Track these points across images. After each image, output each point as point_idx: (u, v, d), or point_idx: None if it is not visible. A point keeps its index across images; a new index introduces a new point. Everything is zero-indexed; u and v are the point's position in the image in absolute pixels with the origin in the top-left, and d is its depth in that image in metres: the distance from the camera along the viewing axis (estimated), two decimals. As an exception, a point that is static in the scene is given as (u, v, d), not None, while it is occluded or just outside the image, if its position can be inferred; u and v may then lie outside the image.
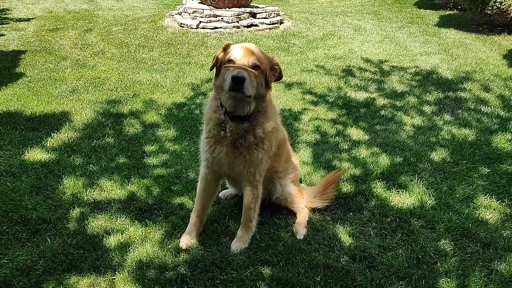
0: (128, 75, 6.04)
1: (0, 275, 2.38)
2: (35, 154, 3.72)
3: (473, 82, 5.98)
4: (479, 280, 2.42)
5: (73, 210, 2.97)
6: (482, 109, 5.02)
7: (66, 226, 2.80)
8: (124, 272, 2.42)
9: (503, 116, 4.80)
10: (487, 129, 4.45)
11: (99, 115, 4.60)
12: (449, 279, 2.42)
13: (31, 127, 4.29)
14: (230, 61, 2.30)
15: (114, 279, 2.37)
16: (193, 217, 2.72)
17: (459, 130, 4.43)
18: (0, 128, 4.22)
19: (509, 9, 8.34)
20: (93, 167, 3.53)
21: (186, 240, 2.65)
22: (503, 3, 8.22)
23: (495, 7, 8.35)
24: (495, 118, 4.73)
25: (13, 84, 5.56)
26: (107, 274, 2.41)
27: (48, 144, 3.92)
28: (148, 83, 5.68)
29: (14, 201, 3.04)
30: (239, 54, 2.29)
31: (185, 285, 2.35)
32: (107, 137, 4.09)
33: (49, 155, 3.72)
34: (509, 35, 8.60)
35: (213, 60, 2.46)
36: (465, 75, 6.26)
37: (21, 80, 5.74)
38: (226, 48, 2.41)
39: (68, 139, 4.03)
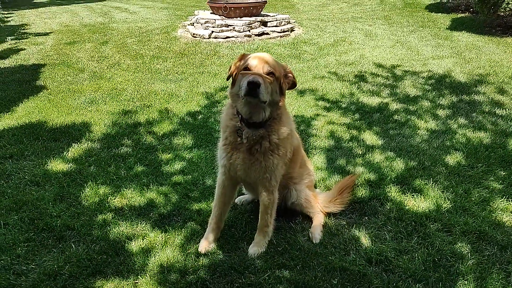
0: (143, 85, 6.19)
1: (29, 280, 2.48)
2: (58, 164, 3.86)
3: (487, 85, 5.94)
4: (497, 283, 2.42)
5: (95, 217, 3.07)
6: (497, 112, 4.99)
7: (89, 233, 2.91)
8: (146, 276, 2.50)
9: (519, 118, 4.76)
10: (502, 132, 4.42)
11: (117, 125, 4.74)
12: (466, 282, 2.43)
13: (52, 137, 4.45)
14: (245, 69, 2.39)
15: (137, 283, 2.46)
16: (211, 223, 2.80)
17: (474, 133, 4.41)
18: (24, 139, 4.39)
19: (522, 10, 8.27)
20: (113, 175, 3.64)
21: (205, 245, 2.72)
22: (516, 5, 8.15)
23: (508, 8, 8.29)
24: (511, 121, 4.70)
25: (34, 97, 5.77)
26: (130, 278, 2.49)
27: (69, 154, 4.06)
28: (163, 93, 5.82)
29: (39, 209, 3.17)
30: (255, 63, 2.38)
31: (205, 289, 2.42)
32: (125, 146, 4.21)
33: (71, 164, 3.85)
34: (523, 36, 8.51)
35: (229, 70, 2.55)
36: (479, 78, 6.23)
37: (42, 92, 5.95)
38: (242, 58, 2.50)
39: (88, 149, 4.16)
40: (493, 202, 3.18)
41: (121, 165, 3.85)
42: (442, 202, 3.17)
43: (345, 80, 6.30)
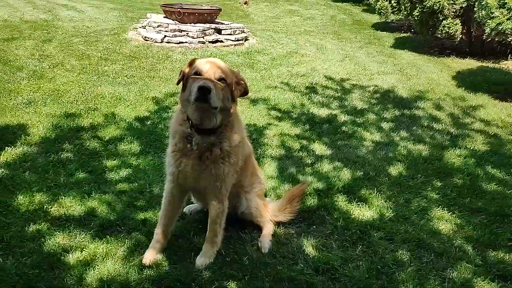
0: (89, 87, 5.88)
1: None
2: (-14, 169, 3.51)
3: (426, 101, 6.37)
4: (434, 288, 2.55)
5: (28, 228, 2.82)
6: (434, 126, 5.35)
7: (20, 245, 2.66)
8: (84, 292, 2.32)
9: (454, 133, 5.15)
10: (439, 145, 4.75)
11: (58, 128, 4.43)
12: (407, 288, 2.54)
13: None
14: (196, 73, 2.34)
15: (73, 300, 2.28)
16: (157, 233, 2.68)
17: (414, 146, 4.69)
18: None
19: (456, 33, 9.02)
20: (50, 182, 3.38)
21: (150, 256, 2.60)
22: (451, 28, 8.88)
23: (444, 31, 9.00)
24: (446, 135, 5.06)
25: (-38, 95, 5.24)
26: (65, 295, 2.30)
27: (1, 159, 3.71)
28: (111, 97, 5.56)
29: (-39, 220, 2.85)
30: (206, 67, 2.34)
31: (148, 304, 2.30)
32: (66, 151, 3.95)
33: (2, 170, 3.52)
34: (457, 57, 9.28)
35: (180, 74, 2.48)
36: (419, 94, 6.67)
37: (-28, 91, 5.42)
38: (192, 63, 2.45)
39: (24, 154, 3.84)
40: (431, 211, 3.38)
41: (60, 171, 3.59)
42: (385, 211, 3.32)
43: (297, 91, 6.44)
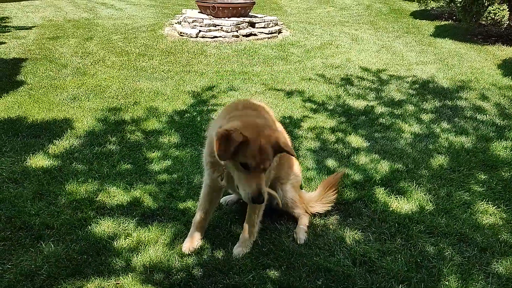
0: (128, 83, 6.10)
1: (4, 280, 2.40)
2: (37, 161, 3.75)
3: (469, 91, 6.08)
4: (477, 284, 2.46)
5: (76, 216, 2.99)
6: (478, 117, 5.10)
7: (69, 232, 2.83)
8: (128, 276, 2.44)
9: (500, 124, 4.88)
10: (483, 136, 4.52)
11: (101, 122, 4.64)
12: (447, 282, 2.46)
13: (32, 134, 4.33)
14: (244, 165, 2.17)
15: (119, 283, 2.40)
16: (195, 223, 2.76)
17: (456, 137, 4.50)
18: (2, 135, 4.25)
19: (503, 20, 8.50)
20: (95, 173, 3.56)
21: (189, 245, 2.68)
22: (497, 14, 8.38)
23: (489, 17, 8.52)
24: (491, 126, 4.81)
25: (14, 92, 5.60)
26: (112, 279, 2.44)
27: (50, 151, 3.95)
28: (149, 91, 5.74)
29: (17, 207, 3.07)
30: (254, 161, 2.15)
31: (189, 289, 2.38)
32: (109, 144, 4.13)
33: (51, 161, 3.75)
34: (503, 45, 8.75)
35: (218, 145, 2.12)
36: (461, 84, 6.36)
37: (22, 87, 5.79)
38: (229, 136, 2.10)
39: (70, 146, 4.06)
40: (474, 205, 3.24)
41: (104, 163, 3.76)
42: (425, 204, 3.22)
43: (332, 83, 6.34)
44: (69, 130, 4.42)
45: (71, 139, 4.21)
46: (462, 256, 2.70)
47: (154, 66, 6.98)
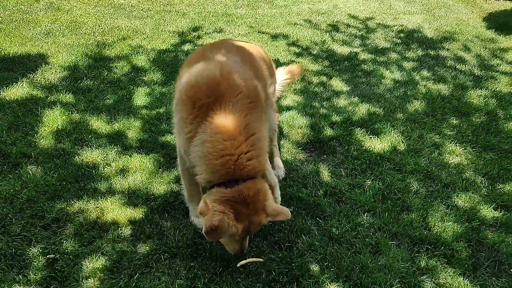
0: (106, 20, 5.83)
1: (-17, 202, 2.44)
2: (12, 93, 3.66)
3: (452, 41, 6.08)
4: (436, 214, 2.65)
5: (54, 146, 3.00)
6: (458, 67, 5.16)
7: (47, 161, 2.85)
8: (108, 201, 2.52)
9: (477, 74, 4.97)
10: (460, 85, 4.61)
11: (77, 58, 4.50)
12: (409, 212, 2.64)
13: (5, 67, 4.18)
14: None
15: (99, 206, 2.48)
16: (189, 199, 2.44)
17: (434, 85, 4.58)
18: (-27, 68, 4.09)
19: (494, -30, 8.33)
20: (72, 107, 3.52)
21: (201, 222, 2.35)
22: (488, -36, 8.18)
23: (480, -32, 8.31)
24: (469, 76, 4.89)
25: (-16, 25, 5.30)
26: (91, 203, 2.51)
27: (24, 85, 3.85)
28: (127, 29, 5.52)
29: (-8, 136, 3.04)
30: (240, 237, 2.01)
31: (166, 213, 2.49)
32: (87, 79, 4.04)
33: (26, 94, 3.67)
34: (491, -2, 8.64)
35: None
36: (446, 35, 6.35)
37: (-8, 20, 5.47)
38: (224, 229, 1.85)
39: (45, 80, 3.96)
40: (443, 147, 3.39)
41: (81, 97, 3.71)
42: (397, 145, 3.35)
43: (317, 29, 6.22)
44: (43, 65, 4.27)
45: (46, 74, 4.09)
46: (426, 190, 2.87)
47: (132, 4, 6.65)
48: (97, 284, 2.05)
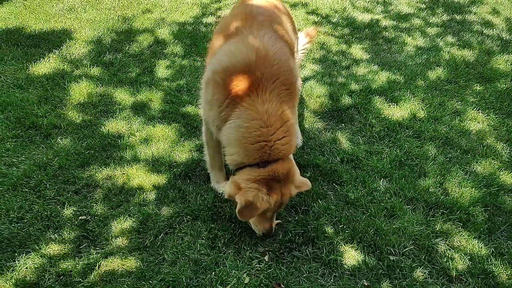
0: (125, -6, 5.87)
1: (20, 170, 2.63)
2: (40, 69, 3.82)
3: (481, 5, 5.79)
4: (454, 179, 2.66)
5: (81, 118, 3.15)
6: (485, 31, 4.95)
7: (75, 131, 3.01)
8: (133, 168, 2.66)
9: (505, 38, 4.76)
10: (486, 50, 4.45)
11: (100, 32, 4.60)
12: (427, 178, 2.66)
13: (32, 44, 4.33)
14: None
15: (125, 173, 2.62)
16: (211, 166, 2.54)
17: (459, 51, 4.43)
18: (2, 45, 4.27)
19: None
20: (97, 81, 3.65)
21: (218, 186, 2.56)
22: None
23: None
24: (496, 40, 4.70)
25: (8, 3, 5.46)
26: (118, 170, 2.66)
27: (51, 60, 3.99)
28: (147, 3, 5.55)
29: (24, 109, 3.22)
30: (271, 213, 2.14)
31: (188, 179, 2.61)
32: (109, 53, 4.15)
33: (53, 69, 3.82)
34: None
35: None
36: (474, -2, 6.05)
37: (17, -2, 5.63)
38: (258, 206, 1.94)
39: (71, 55, 4.09)
40: (464, 114, 3.34)
41: (105, 71, 3.83)
42: (417, 112, 3.32)
43: (337, -5, 6.05)
44: (68, 41, 4.40)
45: (71, 49, 4.22)
46: (444, 157, 2.86)
47: (152, -24, 6.63)
48: (126, 243, 2.21)
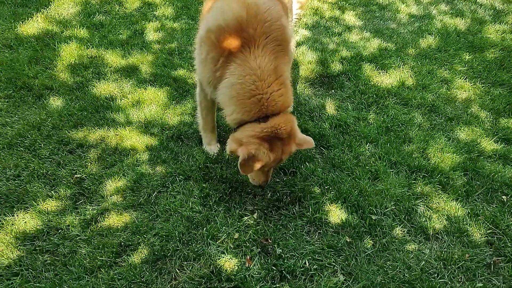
0: (115, -48, 5.65)
1: (14, 129, 2.66)
2: (28, 29, 3.74)
3: (477, -28, 5.73)
4: (437, 145, 2.77)
5: (73, 79, 3.15)
6: (479, 0, 4.94)
7: (68, 92, 3.02)
8: (126, 129, 2.71)
9: (498, 7, 4.77)
10: (479, 19, 4.47)
11: (88, -8, 4.48)
12: (410, 143, 2.76)
13: (19, 3, 4.21)
14: None
15: (118, 134, 2.68)
16: (203, 128, 2.60)
17: (451, 19, 4.44)
18: (-12, 3, 4.15)
19: None
20: (87, 42, 3.61)
21: (209, 148, 2.64)
22: None
23: None
24: (489, 10, 4.71)
25: (-7, -42, 5.24)
26: (111, 131, 2.70)
27: (39, 19, 3.91)
28: (137, -39, 5.37)
29: (15, 70, 3.20)
30: (269, 167, 2.18)
31: (180, 141, 2.68)
32: (99, 14, 4.07)
33: (42, 29, 3.75)
34: None
35: None
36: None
37: (1, -47, 5.39)
38: (260, 158, 2.01)
39: (59, 16, 4.00)
40: (452, 82, 3.41)
41: (95, 32, 3.77)
42: (405, 80, 3.38)
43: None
44: (56, 0, 4.29)
45: (59, 9, 4.12)
46: (429, 124, 2.96)
47: None
48: (120, 200, 2.30)
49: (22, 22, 3.83)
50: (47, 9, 4.11)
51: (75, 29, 3.77)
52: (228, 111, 2.05)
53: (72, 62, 3.33)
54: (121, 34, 3.78)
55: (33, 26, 3.78)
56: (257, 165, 1.99)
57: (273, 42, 2.00)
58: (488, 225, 2.31)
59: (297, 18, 3.59)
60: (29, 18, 3.91)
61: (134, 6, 4.27)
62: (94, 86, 3.09)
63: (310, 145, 2.15)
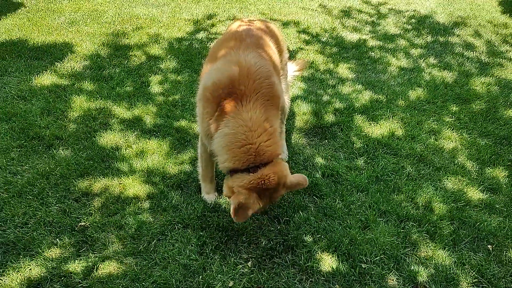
0: (124, 8, 6.13)
1: (24, 178, 2.83)
2: (42, 81, 4.03)
3: (464, 27, 6.12)
4: (425, 194, 2.90)
5: (82, 130, 3.36)
6: (466, 54, 5.25)
7: (76, 142, 3.22)
8: (129, 179, 2.87)
9: (484, 61, 5.06)
10: (465, 72, 4.74)
11: (100, 47, 4.83)
12: (400, 193, 2.90)
13: (35, 56, 4.55)
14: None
15: (122, 183, 2.83)
16: (203, 177, 2.76)
17: (439, 72, 4.72)
18: (6, 56, 4.48)
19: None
20: (97, 94, 3.87)
21: (207, 197, 2.79)
22: None
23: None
24: (476, 63, 5.00)
25: (12, 14, 5.69)
26: (115, 180, 2.86)
27: (53, 73, 4.21)
28: (145, 18, 5.81)
29: (28, 120, 3.43)
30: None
31: (180, 190, 2.83)
32: (109, 67, 4.37)
33: (55, 82, 4.03)
34: (510, -20, 8.47)
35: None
36: (458, 20, 6.38)
37: (20, 10, 5.86)
38: (251, 207, 2.12)
39: (72, 69, 4.31)
40: (440, 133, 3.59)
41: (104, 85, 4.05)
42: (395, 131, 3.57)
43: (329, 15, 6.36)
44: (69, 54, 4.63)
45: (72, 62, 4.45)
46: (418, 173, 3.11)
47: (151, -9, 6.91)
48: (121, 248, 2.41)
49: (37, 75, 4.13)
50: (61, 62, 4.43)
51: (86, 82, 4.05)
52: (221, 159, 2.22)
53: (82, 113, 3.56)
54: (128, 86, 4.05)
55: (46, 78, 4.08)
56: (249, 213, 2.13)
57: (263, 97, 2.21)
58: (474, 274, 2.39)
59: (294, 79, 3.90)
60: (43, 71, 4.21)
61: (141, 59, 4.60)
62: (101, 136, 3.29)
63: (302, 186, 2.28)
